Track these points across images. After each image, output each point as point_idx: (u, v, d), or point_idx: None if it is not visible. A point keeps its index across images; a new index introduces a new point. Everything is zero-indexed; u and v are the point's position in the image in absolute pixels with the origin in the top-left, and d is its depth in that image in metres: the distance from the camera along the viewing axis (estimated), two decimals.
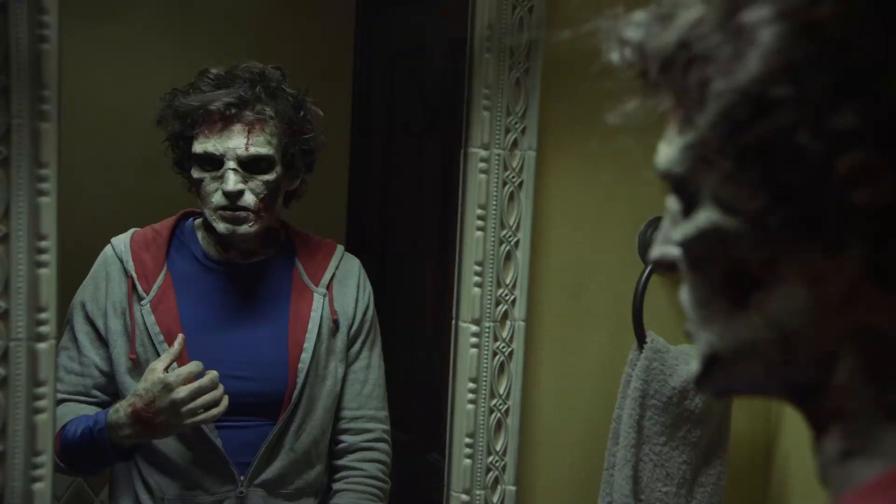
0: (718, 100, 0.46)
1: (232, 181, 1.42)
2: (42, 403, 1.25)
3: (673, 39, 0.47)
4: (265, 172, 1.45)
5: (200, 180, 1.45)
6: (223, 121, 1.43)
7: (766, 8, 0.44)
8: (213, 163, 1.44)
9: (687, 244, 0.51)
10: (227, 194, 1.43)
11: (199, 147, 1.44)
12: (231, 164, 1.43)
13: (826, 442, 0.48)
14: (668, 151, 0.51)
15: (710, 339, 0.51)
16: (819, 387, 0.48)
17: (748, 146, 0.46)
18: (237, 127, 1.43)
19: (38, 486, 1.26)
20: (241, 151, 1.43)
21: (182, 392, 1.36)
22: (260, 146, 1.44)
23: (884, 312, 0.45)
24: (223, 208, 1.44)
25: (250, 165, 1.44)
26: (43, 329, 1.25)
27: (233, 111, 1.42)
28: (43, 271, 1.24)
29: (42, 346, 1.25)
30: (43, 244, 1.24)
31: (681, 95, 0.48)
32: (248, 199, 1.44)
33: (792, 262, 0.47)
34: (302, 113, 1.49)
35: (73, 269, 1.43)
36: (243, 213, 1.44)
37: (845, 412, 0.47)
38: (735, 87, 0.45)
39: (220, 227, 1.45)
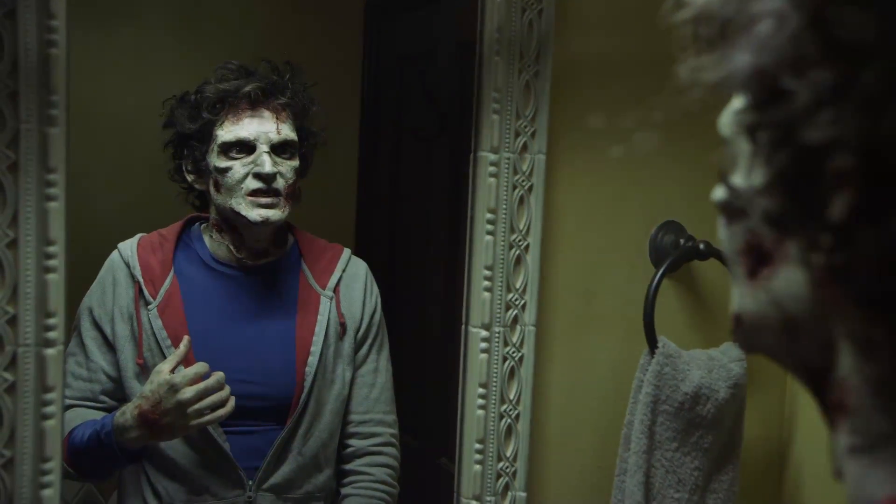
0: (738, 71, 0.45)
1: (269, 163, 1.44)
2: (50, 409, 1.25)
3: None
4: (291, 158, 1.48)
5: (226, 169, 1.45)
6: (251, 107, 1.45)
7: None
8: (245, 148, 1.45)
9: (720, 200, 0.51)
10: (263, 177, 1.44)
11: (228, 134, 1.45)
12: (264, 147, 1.45)
13: (836, 435, 0.48)
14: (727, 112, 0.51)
15: (736, 298, 0.51)
16: (827, 376, 0.47)
17: (753, 126, 0.45)
18: (266, 113, 1.46)
19: (46, 492, 1.25)
20: (273, 135, 1.46)
21: (188, 393, 1.36)
22: (288, 131, 1.47)
23: (863, 321, 0.44)
24: (255, 192, 1.44)
25: (279, 150, 1.46)
26: (51, 335, 1.25)
27: (262, 96, 1.46)
28: (51, 276, 1.24)
29: (50, 351, 1.25)
30: (51, 249, 1.24)
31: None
32: (280, 182, 1.45)
33: (795, 244, 0.45)
34: (314, 108, 1.52)
35: (82, 274, 1.43)
36: (275, 199, 1.44)
37: (848, 407, 0.46)
38: (750, 64, 0.44)
39: (253, 214, 1.44)
